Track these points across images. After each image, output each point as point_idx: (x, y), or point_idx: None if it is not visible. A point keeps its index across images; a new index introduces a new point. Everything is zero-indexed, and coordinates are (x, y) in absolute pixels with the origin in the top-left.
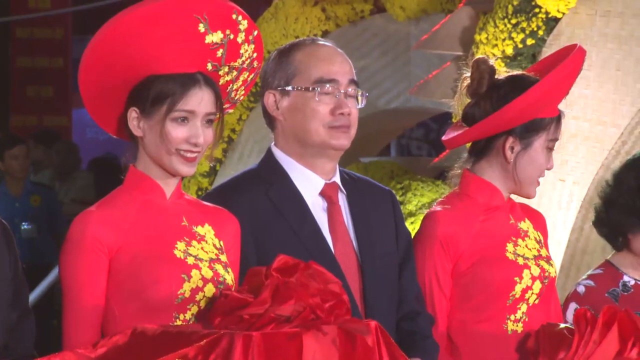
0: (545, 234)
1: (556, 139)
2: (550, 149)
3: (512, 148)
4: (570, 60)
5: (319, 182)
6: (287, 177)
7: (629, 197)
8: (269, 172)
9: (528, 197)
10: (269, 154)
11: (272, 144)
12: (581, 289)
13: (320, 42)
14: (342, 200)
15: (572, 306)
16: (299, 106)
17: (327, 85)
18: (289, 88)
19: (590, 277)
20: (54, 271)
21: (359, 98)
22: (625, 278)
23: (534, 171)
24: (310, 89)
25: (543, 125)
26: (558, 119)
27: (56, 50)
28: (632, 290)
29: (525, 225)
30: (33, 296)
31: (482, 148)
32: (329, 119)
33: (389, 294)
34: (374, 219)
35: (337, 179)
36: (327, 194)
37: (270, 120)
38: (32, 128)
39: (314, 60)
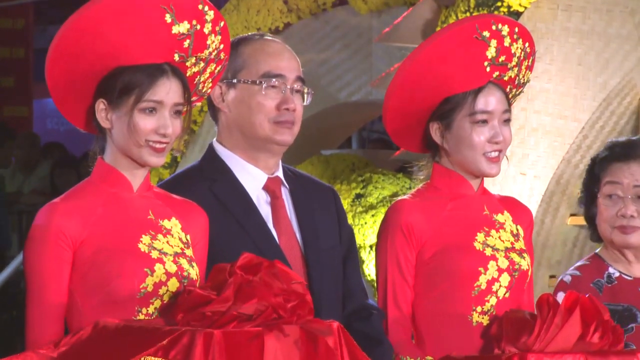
0: (526, 228)
1: (481, 111)
2: (476, 122)
3: (437, 132)
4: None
5: (262, 177)
6: (230, 172)
7: (589, 184)
8: (212, 169)
9: (488, 176)
10: (211, 151)
11: (214, 140)
12: (567, 278)
13: (269, 38)
14: (285, 194)
15: (561, 295)
16: (245, 99)
17: (274, 80)
18: (236, 80)
19: (577, 267)
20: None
21: (305, 95)
22: (610, 270)
23: (467, 148)
24: (257, 82)
25: (455, 101)
26: (477, 90)
27: (17, 40)
28: (615, 282)
29: (503, 217)
30: None
31: (428, 142)
32: (274, 113)
33: (333, 285)
34: (316, 213)
35: (280, 173)
36: (271, 188)
37: (215, 113)
38: None
39: (262, 55)
